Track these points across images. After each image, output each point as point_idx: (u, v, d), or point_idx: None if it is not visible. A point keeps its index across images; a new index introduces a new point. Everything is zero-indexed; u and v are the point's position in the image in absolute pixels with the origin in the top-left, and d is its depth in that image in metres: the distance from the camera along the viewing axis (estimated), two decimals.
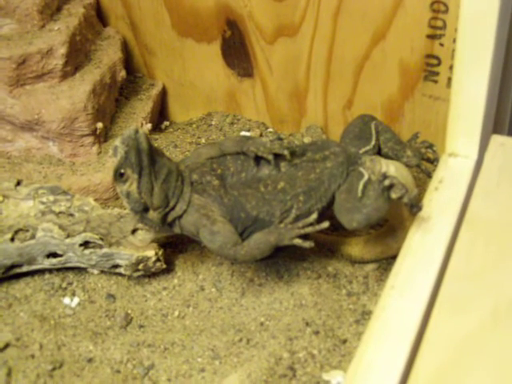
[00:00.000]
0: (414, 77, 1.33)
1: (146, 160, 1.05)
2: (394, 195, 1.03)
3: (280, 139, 1.14)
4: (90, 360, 1.09)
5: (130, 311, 1.17)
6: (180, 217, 1.10)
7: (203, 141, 1.49)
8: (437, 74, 1.31)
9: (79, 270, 1.21)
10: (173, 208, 1.09)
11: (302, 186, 1.10)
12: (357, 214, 1.06)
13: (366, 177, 1.09)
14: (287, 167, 1.12)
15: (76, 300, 1.18)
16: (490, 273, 0.94)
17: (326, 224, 1.07)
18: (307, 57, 1.40)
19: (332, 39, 1.35)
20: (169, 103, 1.58)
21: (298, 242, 1.07)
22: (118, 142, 1.05)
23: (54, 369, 1.07)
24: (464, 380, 0.81)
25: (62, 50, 1.30)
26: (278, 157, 1.12)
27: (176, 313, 1.17)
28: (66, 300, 1.17)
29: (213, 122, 1.53)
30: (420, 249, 1.04)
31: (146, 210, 1.08)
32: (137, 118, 1.43)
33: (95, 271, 1.20)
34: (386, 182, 1.03)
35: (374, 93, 1.37)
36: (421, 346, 0.86)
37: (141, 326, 1.15)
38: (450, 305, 0.90)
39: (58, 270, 1.20)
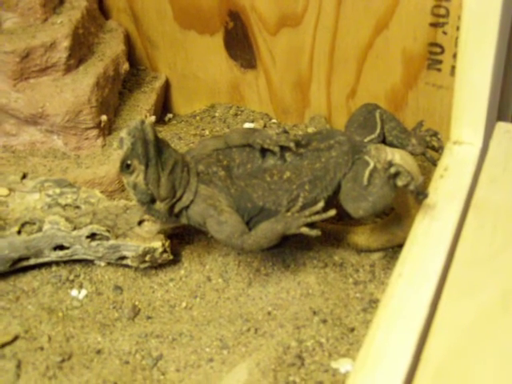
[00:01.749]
0: (418, 65, 1.33)
1: (153, 151, 1.05)
2: (400, 182, 1.04)
3: (286, 132, 1.14)
4: (98, 351, 1.09)
5: (137, 303, 1.17)
6: (187, 207, 1.10)
7: (207, 133, 1.49)
8: (440, 62, 1.31)
9: (86, 263, 1.21)
10: (179, 199, 1.09)
11: (308, 175, 1.10)
12: (363, 202, 1.06)
13: (371, 165, 1.09)
14: (292, 157, 1.12)
15: (83, 292, 1.18)
16: (497, 257, 0.94)
17: (332, 212, 1.08)
18: (310, 47, 1.40)
19: (335, 29, 1.35)
20: (172, 95, 1.58)
21: (304, 230, 1.07)
22: (123, 133, 1.05)
23: (63, 360, 1.07)
24: (474, 364, 0.81)
25: (66, 43, 1.30)
26: (283, 148, 1.12)
27: (183, 304, 1.17)
28: (74, 292, 1.18)
29: (216, 114, 1.53)
30: (427, 236, 1.04)
31: (152, 201, 1.09)
32: (140, 110, 1.43)
33: (102, 263, 1.20)
34: (392, 170, 1.04)
35: (378, 82, 1.37)
36: (430, 331, 0.86)
37: (148, 318, 1.15)
38: (459, 290, 0.91)
39: (65, 262, 1.21)
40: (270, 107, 1.50)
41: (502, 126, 1.17)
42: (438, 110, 1.34)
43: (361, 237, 1.22)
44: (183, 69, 1.53)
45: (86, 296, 1.18)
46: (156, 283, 1.20)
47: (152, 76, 1.53)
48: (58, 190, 1.16)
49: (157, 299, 1.18)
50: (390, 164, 1.05)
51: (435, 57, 1.31)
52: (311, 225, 1.08)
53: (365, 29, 1.33)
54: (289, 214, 1.08)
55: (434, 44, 1.30)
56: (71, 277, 1.20)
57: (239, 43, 1.46)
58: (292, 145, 1.11)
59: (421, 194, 1.05)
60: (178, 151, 1.12)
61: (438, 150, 1.21)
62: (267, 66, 1.46)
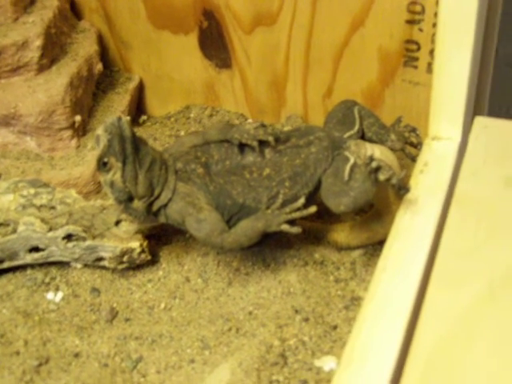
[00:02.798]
0: (394, 63, 1.32)
1: (130, 148, 1.03)
2: (382, 177, 1.03)
3: (263, 126, 1.13)
4: (76, 355, 1.07)
5: (115, 305, 1.15)
6: (165, 205, 1.08)
7: (182, 133, 1.48)
8: (416, 59, 1.31)
9: (62, 265, 1.19)
10: (158, 197, 1.07)
11: (288, 171, 1.09)
12: (344, 198, 1.05)
13: (351, 160, 1.08)
14: (272, 154, 1.11)
15: (60, 295, 1.15)
16: (482, 249, 0.93)
17: (313, 209, 1.06)
18: (286, 46, 1.39)
19: (310, 27, 1.35)
20: (146, 97, 1.56)
21: (285, 227, 1.06)
22: (100, 130, 1.03)
23: (40, 364, 1.04)
24: (464, 356, 0.80)
25: (38, 42, 1.28)
26: (262, 144, 1.11)
27: (162, 305, 1.15)
28: (50, 295, 1.15)
29: (191, 115, 1.51)
30: (409, 231, 1.03)
31: (130, 199, 1.07)
32: (114, 111, 1.40)
33: (78, 265, 1.18)
34: (374, 164, 1.03)
35: (354, 80, 1.37)
36: (417, 325, 0.85)
37: (127, 320, 1.13)
38: (445, 281, 0.90)
39: (41, 265, 1.18)
40: (245, 107, 1.49)
41: (480, 121, 1.16)
42: (414, 107, 1.34)
43: (340, 234, 1.21)
44: (157, 69, 1.51)
45: (63, 299, 1.15)
46: (134, 284, 1.17)
47: (126, 77, 1.51)
48: (32, 191, 1.14)
49: (135, 301, 1.15)
50: (371, 159, 1.04)
51: (411, 54, 1.30)
52: (292, 222, 1.07)
53: (341, 27, 1.32)
54: (269, 211, 1.07)
55: (410, 41, 1.29)
56: (47, 279, 1.17)
57: (214, 43, 1.44)
58: (271, 138, 1.10)
59: (402, 188, 1.04)
60: (155, 149, 1.10)
61: (417, 145, 1.20)
62: (242, 65, 1.44)
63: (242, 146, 1.11)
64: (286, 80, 1.43)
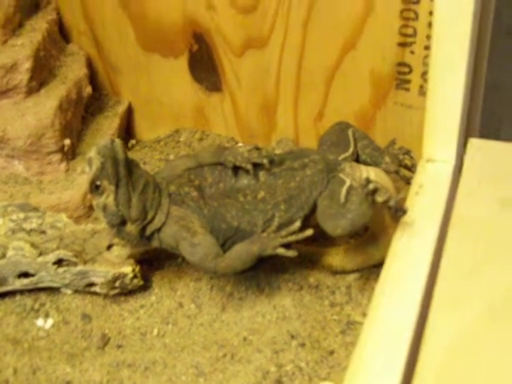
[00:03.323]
0: (386, 85, 1.32)
1: (123, 170, 1.02)
2: (379, 199, 1.02)
3: (257, 149, 1.12)
4: (68, 383, 1.04)
5: (106, 331, 1.12)
6: (159, 229, 1.06)
7: (172, 157, 1.46)
8: (408, 81, 1.30)
9: (52, 291, 1.16)
10: (151, 220, 1.06)
11: (283, 194, 1.08)
12: (341, 220, 1.03)
13: (347, 183, 1.07)
14: (266, 176, 1.10)
15: (50, 321, 1.12)
16: (482, 270, 0.92)
17: (309, 232, 1.05)
18: (276, 69, 1.38)
19: (302, 50, 1.34)
20: (135, 121, 1.54)
21: (281, 251, 1.04)
22: (92, 152, 1.01)
23: None
24: (469, 377, 0.79)
25: (27, 65, 1.26)
26: (256, 166, 1.09)
27: (155, 331, 1.12)
28: (40, 322, 1.12)
29: (181, 139, 1.50)
30: (406, 253, 1.02)
31: (123, 223, 1.05)
32: (104, 135, 1.39)
33: (69, 291, 1.15)
34: (371, 186, 1.02)
35: (346, 103, 1.36)
36: (421, 346, 0.84)
37: (119, 346, 1.10)
38: (447, 303, 0.88)
39: (30, 290, 1.15)
40: (235, 131, 1.48)
41: (474, 143, 1.16)
42: (407, 130, 1.33)
43: (335, 258, 1.20)
44: (146, 93, 1.50)
45: (53, 325, 1.12)
46: (126, 310, 1.15)
47: (114, 101, 1.50)
48: (21, 215, 1.11)
49: (127, 327, 1.13)
50: (368, 181, 1.03)
51: (403, 76, 1.30)
52: (287, 245, 1.06)
53: (332, 49, 1.32)
54: (264, 234, 1.05)
55: (402, 64, 1.29)
56: (36, 306, 1.14)
57: (204, 66, 1.43)
58: (265, 161, 1.08)
59: (399, 210, 1.03)
60: (148, 172, 1.08)
61: (411, 168, 1.20)
62: (233, 88, 1.44)
63: (236, 169, 1.10)
64: (277, 103, 1.42)
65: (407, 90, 1.31)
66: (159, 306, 1.16)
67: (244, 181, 1.09)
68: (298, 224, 1.05)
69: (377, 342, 0.89)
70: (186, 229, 1.05)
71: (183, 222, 1.05)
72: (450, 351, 0.83)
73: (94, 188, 1.02)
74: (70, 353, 1.08)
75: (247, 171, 1.09)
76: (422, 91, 1.30)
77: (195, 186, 1.08)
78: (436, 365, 0.81)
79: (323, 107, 1.39)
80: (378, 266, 1.17)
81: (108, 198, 1.02)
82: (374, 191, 1.03)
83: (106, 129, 1.40)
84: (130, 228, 1.05)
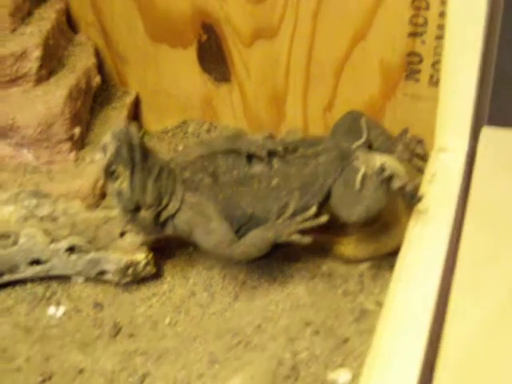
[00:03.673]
0: (396, 76, 1.32)
1: (139, 155, 1.01)
2: (396, 184, 1.02)
3: (271, 137, 1.11)
4: (80, 371, 1.03)
5: (118, 319, 1.11)
6: (173, 216, 1.05)
7: (181, 148, 1.45)
8: (418, 72, 1.30)
9: (63, 279, 1.15)
10: (165, 206, 1.05)
11: (297, 181, 1.07)
12: (357, 207, 1.03)
13: (362, 170, 1.06)
14: (280, 164, 1.09)
15: (61, 310, 1.12)
16: (502, 255, 0.92)
17: (325, 218, 1.05)
18: (286, 59, 1.37)
19: (311, 41, 1.34)
20: (143, 112, 1.53)
21: (296, 237, 1.04)
22: (107, 138, 1.00)
23: (43, 381, 1.01)
24: (494, 362, 0.79)
25: (37, 53, 1.25)
26: (270, 154, 1.09)
27: (167, 320, 1.11)
28: (51, 310, 1.11)
29: (189, 130, 1.49)
30: (422, 240, 1.01)
31: (137, 209, 1.04)
32: (112, 125, 1.37)
33: (80, 279, 1.14)
34: (387, 173, 1.02)
35: (355, 94, 1.36)
36: (443, 332, 0.83)
37: (131, 335, 1.09)
38: (468, 289, 0.88)
39: (41, 279, 1.14)
40: (244, 122, 1.47)
41: (487, 131, 1.16)
42: (416, 120, 1.32)
43: (347, 247, 1.19)
44: (154, 84, 1.49)
45: (65, 314, 1.11)
46: (138, 299, 1.14)
47: (122, 91, 1.49)
48: (33, 202, 1.10)
49: (139, 316, 1.12)
50: (383, 167, 1.03)
51: (413, 67, 1.30)
52: (302, 233, 1.05)
53: (342, 40, 1.32)
54: (279, 221, 1.05)
55: (412, 54, 1.29)
56: (48, 294, 1.14)
57: (213, 56, 1.42)
58: (280, 148, 1.08)
59: (415, 197, 1.03)
60: (162, 158, 1.08)
61: (423, 157, 1.19)
62: (242, 79, 1.43)
63: (250, 157, 1.09)
64: (286, 94, 1.41)
65: (417, 80, 1.31)
66: (171, 294, 1.15)
67: (258, 168, 1.09)
68: (313, 209, 1.04)
69: (396, 327, 0.89)
70: (201, 215, 1.04)
71: (198, 209, 1.04)
72: (473, 336, 0.82)
73: (109, 173, 1.01)
74: (82, 341, 1.07)
75: (261, 159, 1.08)
76: (433, 81, 1.29)
77: (209, 172, 1.07)
78: (460, 350, 0.81)
79: (332, 98, 1.38)
80: (390, 255, 1.18)
81: (123, 184, 1.01)
82: (390, 177, 1.02)
83: (114, 119, 1.39)
84: (145, 214, 1.04)
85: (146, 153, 1.02)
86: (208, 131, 1.48)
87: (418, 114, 1.33)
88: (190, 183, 1.06)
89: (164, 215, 1.05)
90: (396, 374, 0.83)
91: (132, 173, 1.01)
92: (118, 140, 0.99)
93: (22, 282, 1.14)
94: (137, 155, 1.01)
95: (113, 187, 1.02)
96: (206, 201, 1.05)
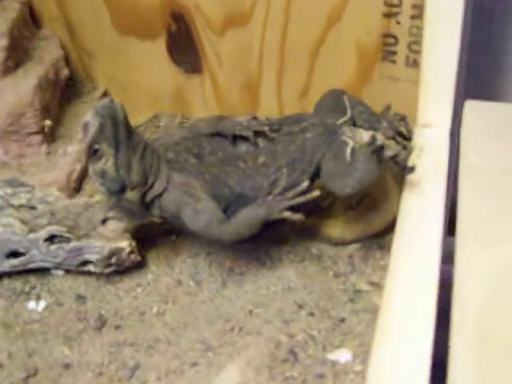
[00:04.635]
0: (372, 58, 1.30)
1: (124, 132, 0.96)
2: (389, 153, 1.00)
3: (255, 118, 1.09)
4: (67, 365, 0.97)
5: (103, 312, 1.05)
6: (159, 196, 1.01)
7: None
8: (394, 53, 1.28)
9: (42, 273, 1.09)
10: (151, 186, 1.00)
11: (285, 158, 1.04)
12: (349, 179, 1.00)
13: (351, 144, 1.04)
14: (265, 142, 1.06)
15: (42, 304, 1.05)
16: (502, 215, 0.90)
17: (316, 192, 1.02)
18: (259, 46, 1.34)
19: (285, 24, 1.31)
20: None
21: (287, 215, 1.00)
22: (89, 115, 0.96)
23: (28, 377, 0.95)
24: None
25: (3, 42, 1.20)
26: (255, 134, 1.06)
27: (154, 310, 1.06)
28: (31, 304, 1.05)
29: (161, 123, 1.45)
30: (418, 209, 1.00)
31: (122, 190, 0.99)
32: (82, 120, 1.32)
33: (60, 272, 1.08)
34: (378, 142, 0.99)
35: (331, 78, 1.33)
36: (454, 290, 0.81)
37: (117, 327, 1.04)
38: (473, 249, 0.86)
39: (18, 273, 1.08)
40: (217, 113, 1.42)
41: (470, 104, 1.15)
42: (394, 102, 1.29)
43: (334, 229, 1.16)
44: (123, 78, 1.44)
45: (46, 308, 1.05)
46: (122, 290, 1.09)
47: (90, 87, 1.44)
48: (9, 190, 1.05)
49: (124, 307, 1.06)
50: (374, 138, 1.00)
51: (389, 48, 1.28)
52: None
53: (316, 23, 1.29)
54: (270, 197, 1.01)
55: (387, 35, 1.27)
56: (26, 288, 1.07)
57: (183, 47, 1.39)
58: (266, 128, 1.05)
59: (407, 167, 1.01)
60: (144, 137, 1.03)
61: (407, 133, 1.17)
62: (214, 69, 1.40)
63: (234, 138, 1.06)
64: (260, 82, 1.38)
65: (393, 61, 1.29)
66: (157, 284, 1.10)
67: (242, 148, 1.06)
68: (305, 184, 1.01)
69: (402, 301, 0.86)
70: (189, 194, 1.00)
71: (185, 188, 1.00)
72: (485, 297, 0.80)
73: (92, 153, 0.96)
74: (67, 335, 1.02)
75: (246, 139, 1.05)
76: (409, 62, 1.28)
77: (193, 153, 1.04)
78: (473, 312, 0.78)
79: (308, 83, 1.36)
80: (378, 235, 1.15)
81: (107, 163, 0.97)
82: (381, 148, 1.00)
83: (84, 113, 1.33)
84: (131, 194, 0.99)
85: (130, 129, 0.98)
86: (181, 124, 1.44)
87: (395, 95, 1.31)
88: (175, 163, 1.02)
89: (150, 196, 1.01)
90: (410, 346, 0.80)
91: (117, 150, 0.96)
92: (101, 116, 0.95)
93: None
94: (122, 131, 0.96)
95: (96, 167, 0.97)
96: (194, 180, 1.01)
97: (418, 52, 1.25)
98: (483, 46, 1.45)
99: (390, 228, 1.13)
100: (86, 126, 0.96)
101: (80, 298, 1.07)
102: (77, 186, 1.22)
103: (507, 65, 1.48)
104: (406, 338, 0.80)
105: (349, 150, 1.03)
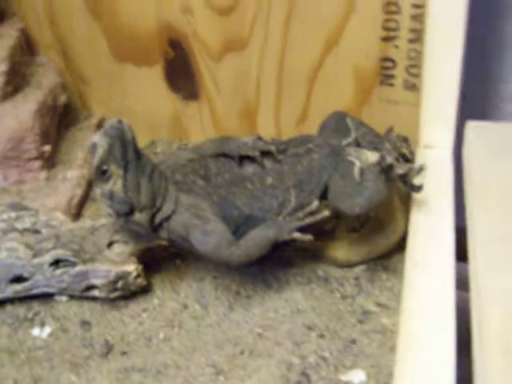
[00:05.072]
0: (370, 82, 1.31)
1: (132, 153, 0.95)
2: (400, 171, 0.99)
3: (260, 139, 1.08)
4: None
5: (109, 337, 1.03)
6: (168, 217, 0.99)
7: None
8: (392, 76, 1.30)
9: (45, 299, 1.07)
10: (160, 208, 0.99)
11: (292, 179, 1.04)
12: (359, 198, 1.00)
13: (358, 164, 1.04)
14: (271, 164, 1.06)
15: (47, 330, 1.03)
16: None
17: (326, 212, 1.01)
18: (257, 71, 1.35)
19: (283, 50, 1.32)
20: None
21: (297, 235, 1.00)
22: (96, 136, 0.95)
23: None
24: None
25: (3, 67, 1.19)
26: (261, 154, 1.06)
27: (161, 335, 1.04)
28: (35, 331, 1.03)
29: (158, 150, 1.44)
30: (428, 227, 1.00)
31: (130, 212, 0.97)
32: (80, 146, 1.31)
33: (63, 298, 1.06)
34: (388, 161, 0.99)
35: (330, 103, 1.33)
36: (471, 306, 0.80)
37: (124, 353, 1.01)
38: (489, 265, 0.86)
39: (21, 299, 1.06)
40: None
41: (472, 125, 1.16)
42: (393, 124, 1.31)
43: (339, 251, 1.15)
44: (119, 105, 1.44)
45: (51, 334, 1.03)
46: (127, 315, 1.07)
47: (87, 114, 1.43)
48: (13, 214, 1.03)
49: (130, 332, 1.04)
50: (383, 157, 1.01)
51: (387, 72, 1.29)
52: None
53: (314, 48, 1.30)
54: (280, 218, 1.01)
55: (385, 59, 1.28)
56: (30, 315, 1.05)
57: (181, 73, 1.39)
58: (273, 148, 1.05)
59: (415, 186, 1.01)
60: (151, 159, 1.02)
61: (409, 155, 1.18)
62: (211, 95, 1.40)
63: (240, 159, 1.06)
64: (258, 107, 1.39)
65: (392, 85, 1.30)
66: (162, 308, 1.08)
67: (249, 169, 1.05)
68: (315, 203, 1.00)
69: (421, 318, 0.85)
70: (197, 216, 0.99)
71: (194, 210, 0.99)
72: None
73: (100, 173, 0.95)
74: (73, 362, 0.99)
75: (252, 160, 1.05)
76: (407, 85, 1.29)
77: (200, 175, 1.03)
78: (497, 324, 0.77)
79: (306, 109, 1.36)
80: (383, 257, 1.15)
81: (116, 184, 0.95)
82: (391, 166, 1.00)
83: (83, 141, 1.33)
84: (139, 216, 0.98)
85: (138, 151, 0.97)
86: (178, 150, 1.43)
87: (394, 118, 1.31)
88: (183, 185, 1.01)
89: (158, 218, 0.99)
90: (432, 370, 0.79)
91: (126, 171, 0.95)
92: (109, 136, 0.94)
93: (0, 302, 1.05)
94: (130, 153, 0.95)
95: (104, 189, 0.96)
96: (202, 202, 1.00)
97: (416, 75, 1.26)
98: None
99: (395, 249, 1.14)
100: (93, 148, 0.94)
101: (85, 324, 1.04)
102: (77, 212, 1.20)
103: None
104: (428, 361, 0.79)
105: (356, 169, 1.03)
